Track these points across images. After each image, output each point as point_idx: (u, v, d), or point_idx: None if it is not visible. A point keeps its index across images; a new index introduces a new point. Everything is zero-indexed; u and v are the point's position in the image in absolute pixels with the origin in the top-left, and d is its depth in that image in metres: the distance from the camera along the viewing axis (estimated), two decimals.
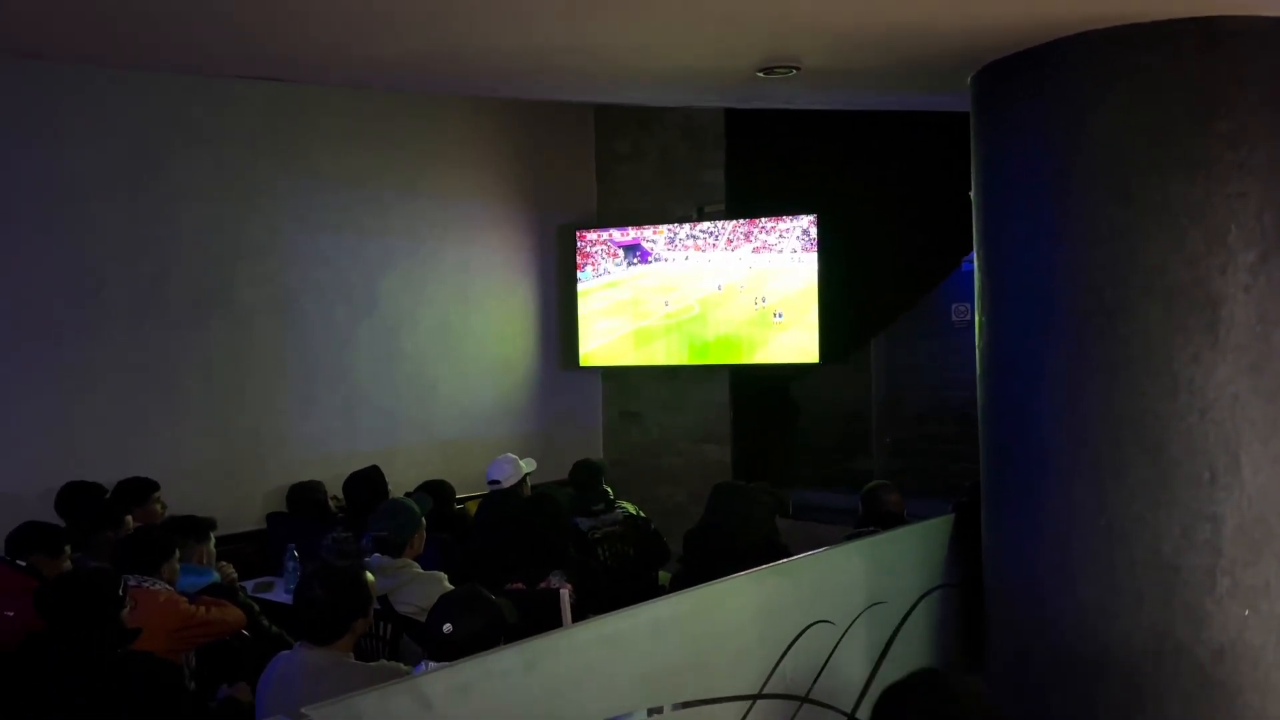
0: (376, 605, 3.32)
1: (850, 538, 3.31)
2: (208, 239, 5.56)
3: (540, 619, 3.13)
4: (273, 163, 5.82)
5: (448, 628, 2.72)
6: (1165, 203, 2.33)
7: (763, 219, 6.63)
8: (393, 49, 2.54)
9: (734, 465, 7.03)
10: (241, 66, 3.43)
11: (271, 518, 5.79)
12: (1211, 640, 2.28)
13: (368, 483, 5.50)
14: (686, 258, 6.91)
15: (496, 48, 2.40)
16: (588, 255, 7.21)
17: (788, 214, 6.53)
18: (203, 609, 3.78)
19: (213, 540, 4.62)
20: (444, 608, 2.85)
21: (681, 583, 3.67)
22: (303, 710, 1.46)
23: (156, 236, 5.35)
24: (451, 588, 4.09)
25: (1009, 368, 2.64)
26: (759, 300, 6.65)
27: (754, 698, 2.35)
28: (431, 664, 2.69)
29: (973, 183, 2.82)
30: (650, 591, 5.12)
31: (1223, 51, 2.29)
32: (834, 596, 2.65)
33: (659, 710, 2.10)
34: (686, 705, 2.17)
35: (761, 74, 2.59)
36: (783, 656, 2.43)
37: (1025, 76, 2.56)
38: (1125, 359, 2.36)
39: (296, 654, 2.99)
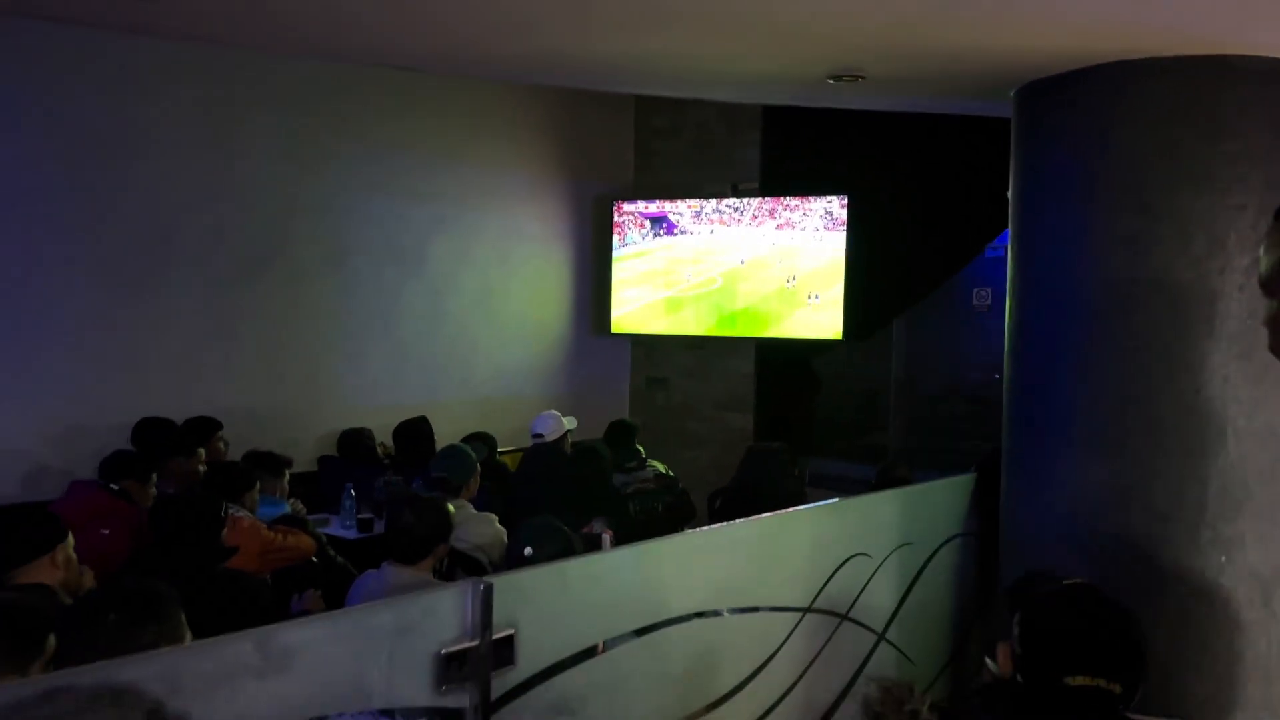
0: None
1: None
2: (268, 197, 5.79)
3: None
4: (331, 127, 6.04)
5: (528, 551, 3.08)
6: (1174, 211, 2.71)
7: (788, 197, 6.81)
8: (514, 49, 2.88)
9: (756, 433, 7.27)
10: (370, 57, 3.64)
11: (323, 460, 6.07)
12: (1192, 582, 2.69)
13: (416, 432, 5.79)
14: (712, 231, 7.09)
15: (602, 53, 2.74)
16: (620, 225, 7.42)
17: (820, 194, 6.70)
18: (279, 535, 4.08)
19: (287, 476, 4.98)
20: (525, 534, 3.21)
21: None
22: (461, 573, 1.85)
23: (221, 194, 5.57)
24: (502, 528, 4.45)
25: (1033, 348, 3.02)
26: (790, 279, 6.85)
27: (804, 610, 2.75)
28: None
29: (1010, 185, 3.18)
30: None
31: (1231, 84, 2.67)
32: (872, 534, 3.06)
33: (751, 610, 2.50)
34: (753, 610, 2.56)
35: (831, 80, 2.94)
36: (828, 580, 2.84)
37: (1061, 95, 2.92)
38: (1134, 344, 2.75)
39: (384, 572, 3.27)
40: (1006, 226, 5.91)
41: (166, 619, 2.13)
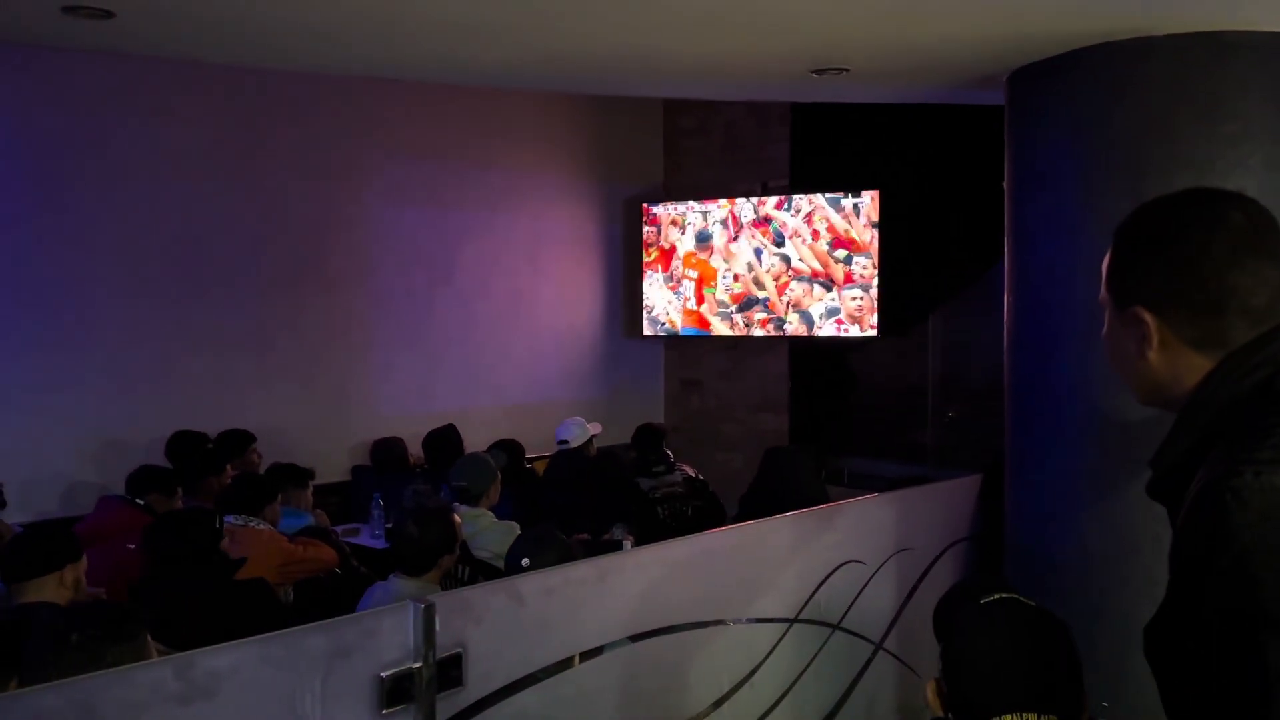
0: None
1: None
2: (300, 210, 5.87)
3: None
4: (358, 138, 6.11)
5: (526, 562, 3.05)
6: None
7: (823, 195, 6.73)
8: (497, 56, 2.86)
9: (791, 434, 7.21)
10: (354, 68, 3.74)
11: (356, 470, 6.14)
12: None
13: (445, 440, 5.83)
14: (749, 233, 7.05)
15: (582, 55, 2.71)
16: (652, 227, 7.40)
17: (851, 189, 6.62)
18: (300, 547, 4.10)
19: (311, 487, 5.02)
20: (523, 544, 3.18)
21: None
22: (427, 597, 1.82)
23: (254, 208, 5.67)
24: None
25: (1030, 344, 2.91)
26: (848, 274, 6.73)
27: (791, 621, 2.68)
28: None
29: (1005, 176, 3.07)
30: None
31: (1228, 62, 2.53)
32: (865, 540, 2.96)
33: (719, 623, 2.44)
34: (733, 622, 2.50)
35: (814, 74, 2.87)
36: (817, 589, 2.76)
37: (1052, 80, 2.81)
38: None
39: (391, 584, 3.26)
40: None
41: (131, 639, 2.13)
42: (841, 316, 6.74)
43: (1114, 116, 2.67)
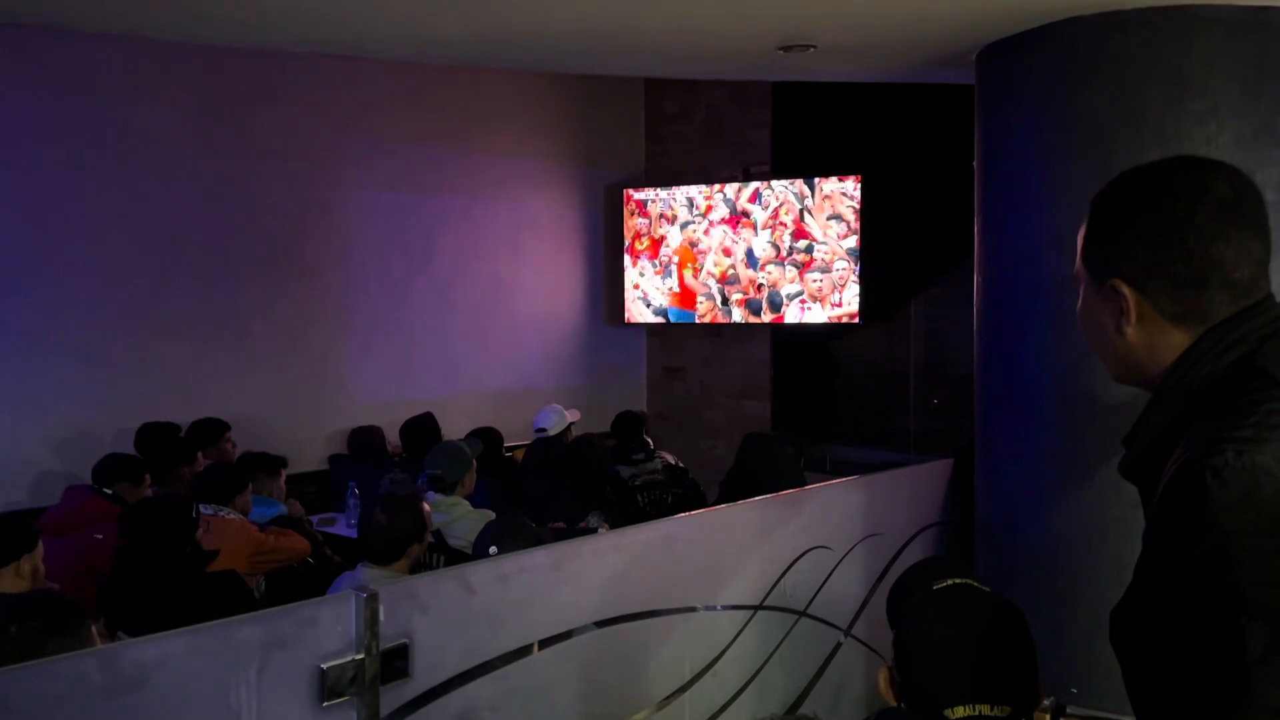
0: (430, 538, 3.59)
1: None
2: (275, 195, 5.80)
3: None
4: (336, 123, 6.04)
5: (493, 549, 3.01)
6: None
7: (805, 180, 6.70)
8: (452, 29, 2.80)
9: (774, 420, 7.18)
10: (318, 46, 3.68)
11: (333, 459, 6.09)
12: None
13: (423, 428, 5.79)
14: (729, 217, 7.01)
15: (541, 28, 2.64)
16: (645, 219, 7.35)
17: (833, 175, 6.59)
18: (272, 537, 4.06)
19: (283, 476, 4.97)
20: (490, 532, 3.14)
21: None
22: (372, 586, 1.77)
23: (228, 192, 5.60)
24: None
25: (1000, 325, 2.86)
26: (808, 260, 6.74)
27: (756, 608, 2.63)
28: None
29: (975, 155, 3.02)
30: None
31: (1197, 37, 2.47)
32: (832, 526, 2.91)
33: (685, 610, 2.39)
34: (693, 609, 2.46)
35: (781, 51, 2.81)
36: (783, 575, 2.71)
37: (1019, 57, 2.75)
38: None
39: (359, 573, 3.21)
40: None
41: (72, 632, 2.09)
42: (804, 297, 6.74)
43: (1082, 93, 2.62)
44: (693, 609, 2.42)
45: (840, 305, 6.64)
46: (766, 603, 2.64)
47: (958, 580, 1.71)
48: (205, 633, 1.62)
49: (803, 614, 2.75)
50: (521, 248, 7.12)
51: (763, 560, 2.67)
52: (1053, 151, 2.68)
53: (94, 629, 2.16)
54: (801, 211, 6.74)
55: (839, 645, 2.92)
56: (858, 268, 6.55)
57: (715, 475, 5.85)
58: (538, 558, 2.13)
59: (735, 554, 2.60)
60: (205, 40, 4.06)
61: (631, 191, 7.38)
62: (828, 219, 6.65)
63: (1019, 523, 2.76)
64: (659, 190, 7.29)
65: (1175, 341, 1.21)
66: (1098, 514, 2.58)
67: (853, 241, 6.57)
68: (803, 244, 6.74)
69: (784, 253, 6.81)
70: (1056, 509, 2.66)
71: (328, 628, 1.74)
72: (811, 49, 2.79)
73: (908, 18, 2.64)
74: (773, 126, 7.11)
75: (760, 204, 6.90)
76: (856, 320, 6.62)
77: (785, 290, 6.82)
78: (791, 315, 6.81)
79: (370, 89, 6.20)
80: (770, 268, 6.88)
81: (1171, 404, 1.21)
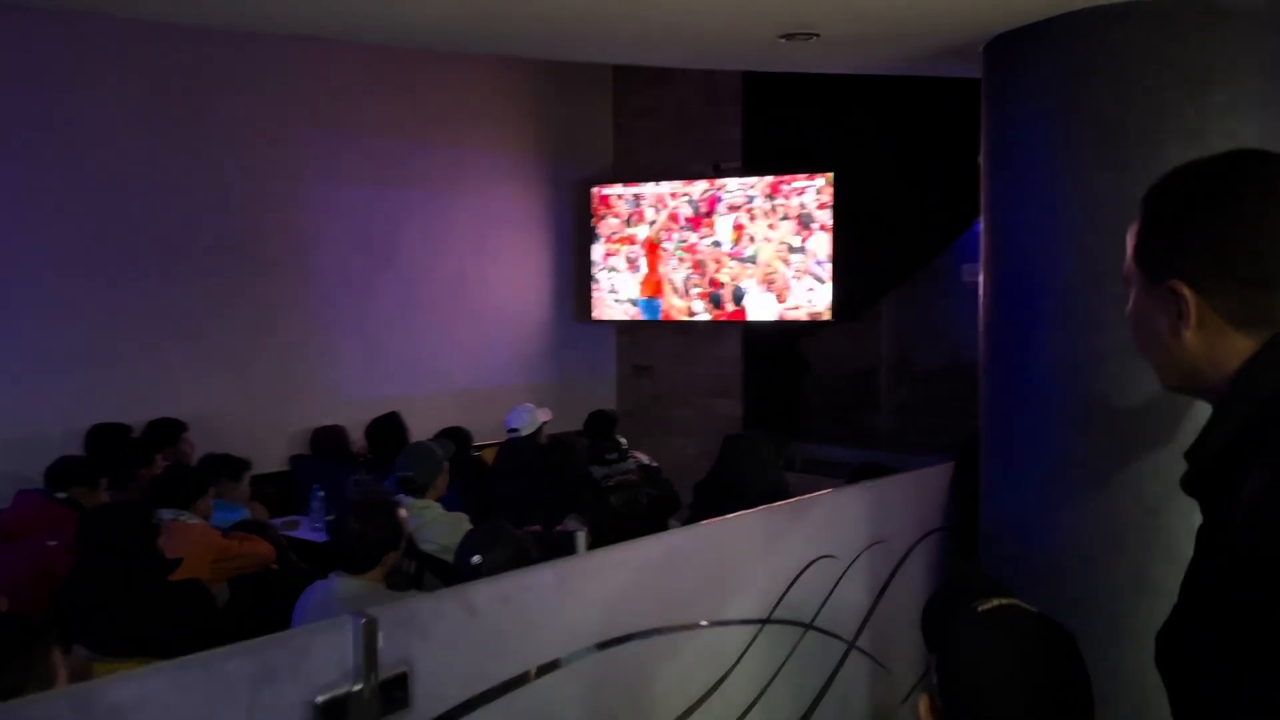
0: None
1: None
2: (232, 187, 5.63)
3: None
4: (295, 113, 5.88)
5: (476, 559, 2.88)
6: (1158, 170, 2.43)
7: (776, 177, 6.66)
8: (428, 10, 2.65)
9: (745, 419, 7.12)
10: (274, 25, 3.52)
11: (295, 460, 5.93)
12: None
13: (388, 428, 5.66)
14: (702, 214, 6.95)
15: (536, 11, 2.50)
16: (603, 209, 7.25)
17: (804, 172, 6.54)
18: (235, 542, 3.93)
19: (246, 479, 4.80)
20: (473, 541, 3.01)
21: None
22: (369, 610, 1.62)
23: (182, 184, 5.42)
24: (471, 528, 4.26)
25: (1008, 324, 2.77)
26: (782, 260, 6.70)
27: (762, 622, 2.52)
28: None
29: (981, 149, 2.93)
30: None
31: (1220, 28, 2.39)
32: (838, 534, 2.81)
33: (688, 627, 2.27)
34: (701, 625, 2.34)
35: (782, 39, 2.70)
36: (789, 587, 2.60)
37: (1031, 48, 2.66)
38: (1114, 317, 2.48)
39: (332, 582, 3.09)
40: None
41: (35, 656, 1.93)
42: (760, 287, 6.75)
43: (1096, 86, 2.53)
44: (700, 625, 2.30)
45: (798, 308, 6.62)
46: (773, 615, 2.53)
47: (1004, 601, 1.59)
48: (189, 669, 1.46)
49: (809, 626, 2.65)
50: (487, 243, 7.01)
51: (769, 571, 2.56)
52: (1065, 146, 2.58)
53: (57, 654, 2.00)
54: (753, 212, 6.73)
55: (844, 658, 2.82)
56: (819, 265, 6.47)
57: (685, 475, 5.78)
58: (542, 576, 1.99)
59: (742, 566, 2.48)
60: (165, 19, 3.89)
61: (600, 188, 7.26)
62: (781, 219, 6.67)
63: (1028, 529, 2.68)
64: (627, 187, 7.17)
65: (1239, 347, 1.13)
66: (1113, 521, 2.49)
67: (798, 241, 6.60)
68: (752, 250, 6.77)
69: (738, 250, 6.81)
70: (1069, 516, 2.58)
71: (322, 657, 1.59)
72: (815, 37, 2.68)
73: (914, 5, 2.54)
74: (743, 123, 7.04)
75: (721, 207, 6.87)
76: (828, 318, 6.56)
77: (743, 284, 6.80)
78: (751, 307, 6.77)
79: (333, 77, 6.05)
80: (730, 264, 6.85)
81: (1237, 415, 1.13)
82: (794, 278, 6.63)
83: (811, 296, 6.59)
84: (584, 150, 7.59)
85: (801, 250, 6.60)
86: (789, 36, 2.69)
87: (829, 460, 6.67)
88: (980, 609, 1.58)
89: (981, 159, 2.92)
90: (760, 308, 6.76)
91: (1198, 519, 2.42)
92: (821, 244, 6.54)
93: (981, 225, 2.93)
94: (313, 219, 6.02)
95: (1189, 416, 2.39)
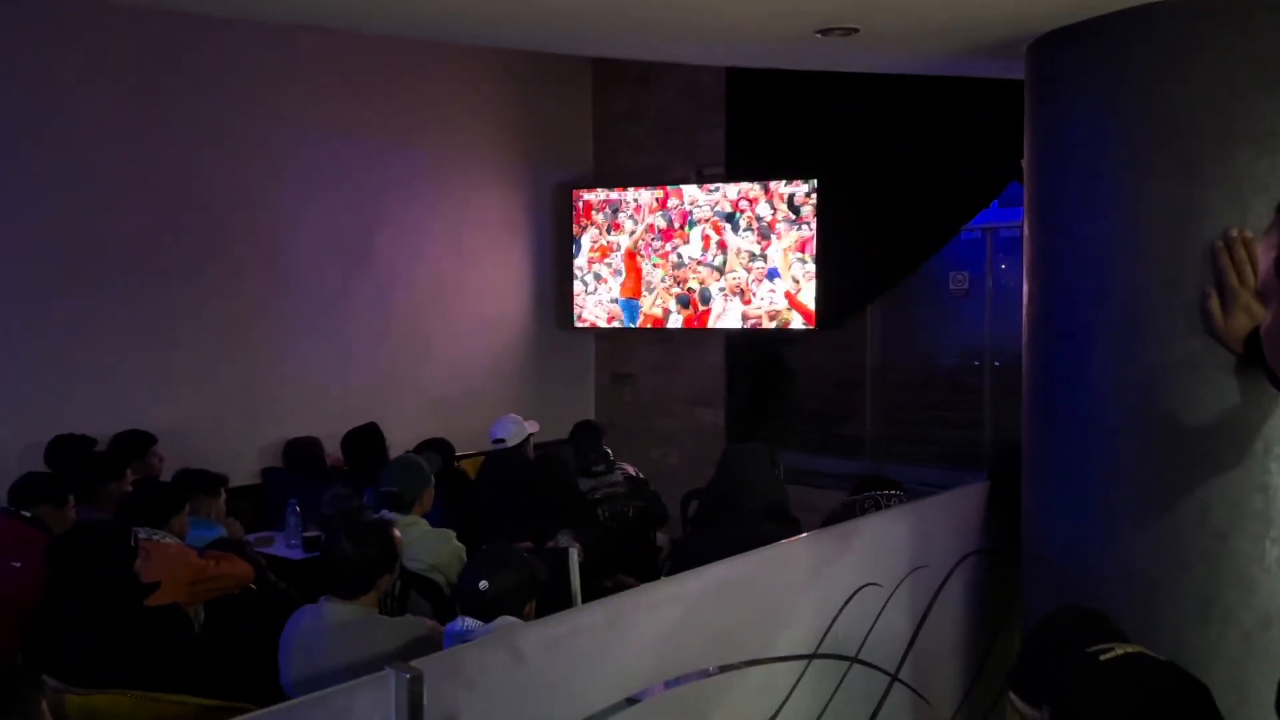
0: None
1: (845, 505, 3.34)
2: (202, 189, 5.46)
3: (549, 578, 3.10)
4: (268, 112, 5.71)
5: (484, 584, 2.72)
6: (1229, 175, 2.31)
7: (758, 184, 6.57)
8: (431, 5, 2.48)
9: (727, 428, 7.02)
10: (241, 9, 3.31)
11: (267, 473, 5.75)
12: (1259, 607, 2.31)
13: (367, 440, 5.48)
14: (683, 219, 6.83)
15: (563, 3, 2.34)
16: (583, 214, 7.10)
17: (787, 177, 6.46)
18: (212, 562, 3.75)
19: (223, 496, 4.59)
20: (479, 565, 2.84)
21: (689, 543, 3.66)
22: (412, 663, 1.44)
23: (148, 186, 5.24)
24: (460, 545, 4.08)
25: (1061, 337, 2.63)
26: (760, 267, 6.62)
27: (810, 657, 2.36)
28: (468, 620, 2.69)
29: (1025, 152, 2.80)
30: (648, 551, 5.15)
31: None
32: (882, 560, 2.66)
33: (746, 665, 2.11)
34: (750, 664, 2.18)
35: (819, 34, 2.55)
36: (835, 617, 2.45)
37: (1088, 45, 2.53)
38: (1182, 330, 2.36)
39: (322, 608, 2.95)
40: (983, 207, 5.79)
41: (20, 709, 1.73)
42: (726, 291, 6.71)
43: (1161, 85, 2.39)
44: (753, 662, 2.14)
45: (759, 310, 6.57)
46: (820, 649, 2.36)
47: (1129, 649, 1.46)
48: None
49: (855, 660, 2.49)
50: (465, 248, 6.85)
51: (815, 602, 2.40)
52: (1125, 148, 2.45)
53: (43, 705, 1.79)
54: (723, 220, 6.69)
55: (888, 691, 2.67)
56: (803, 264, 6.40)
57: (668, 485, 5.65)
58: (591, 616, 1.82)
59: (789, 597, 2.32)
60: (140, 5, 3.66)
61: (581, 192, 7.09)
62: (745, 230, 6.63)
63: (1081, 552, 2.54)
64: (608, 191, 7.02)
65: None
66: (1177, 545, 2.36)
67: (758, 248, 6.59)
68: (720, 259, 6.71)
69: (707, 259, 6.75)
70: (1127, 538, 2.44)
71: (364, 717, 1.40)
72: (854, 33, 2.53)
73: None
74: (727, 128, 6.92)
75: (693, 217, 6.80)
76: (812, 326, 6.48)
77: (712, 286, 6.75)
78: (716, 309, 6.73)
79: (306, 76, 5.86)
80: (700, 269, 6.77)
81: None
82: (754, 281, 6.59)
83: (772, 297, 6.53)
84: (564, 154, 7.44)
85: (763, 258, 6.56)
86: (826, 32, 2.54)
87: (812, 470, 6.57)
88: (1103, 658, 1.45)
89: (1025, 163, 2.78)
90: (728, 314, 6.72)
91: (1269, 545, 2.32)
92: (777, 253, 6.51)
93: (1025, 233, 2.79)
94: (286, 222, 5.85)
95: (1260, 436, 2.26)
